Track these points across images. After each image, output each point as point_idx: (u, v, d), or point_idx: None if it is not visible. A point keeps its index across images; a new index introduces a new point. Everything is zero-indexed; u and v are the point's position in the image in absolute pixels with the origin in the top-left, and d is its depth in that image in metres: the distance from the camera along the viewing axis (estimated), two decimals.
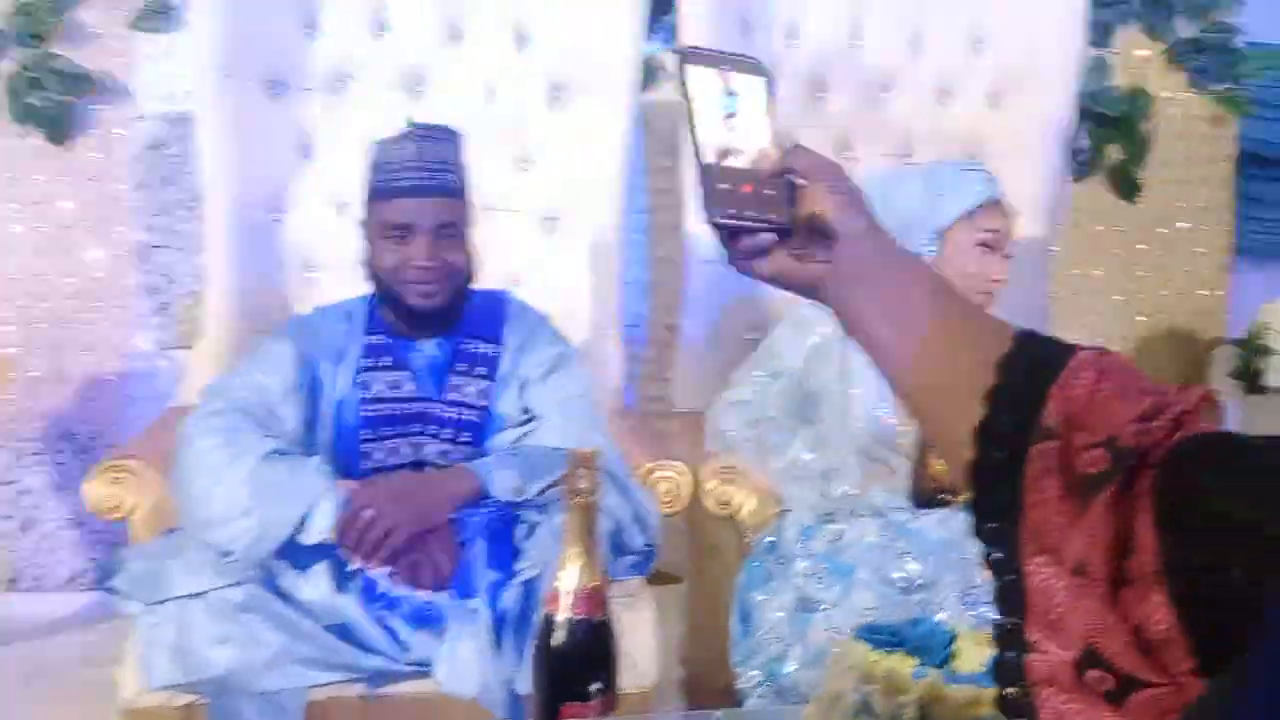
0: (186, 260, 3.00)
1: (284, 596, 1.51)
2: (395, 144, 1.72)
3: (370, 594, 1.54)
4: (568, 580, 0.99)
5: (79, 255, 3.00)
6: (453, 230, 1.75)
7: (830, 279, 0.72)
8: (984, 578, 1.59)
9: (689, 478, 1.79)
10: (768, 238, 0.72)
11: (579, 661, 0.99)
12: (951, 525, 1.65)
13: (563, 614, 0.99)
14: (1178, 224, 3.19)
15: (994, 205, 1.95)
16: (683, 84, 0.72)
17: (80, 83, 2.93)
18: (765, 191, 0.72)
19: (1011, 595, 0.60)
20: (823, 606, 1.63)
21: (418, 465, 1.76)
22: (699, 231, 2.32)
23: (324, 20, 2.24)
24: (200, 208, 2.88)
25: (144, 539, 1.70)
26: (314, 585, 1.51)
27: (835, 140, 2.44)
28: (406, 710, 1.53)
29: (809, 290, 0.73)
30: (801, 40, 2.41)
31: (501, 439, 1.75)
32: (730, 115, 0.72)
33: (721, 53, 0.74)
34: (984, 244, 1.93)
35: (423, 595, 1.54)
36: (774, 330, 2.01)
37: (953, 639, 0.98)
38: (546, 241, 2.32)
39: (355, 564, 1.53)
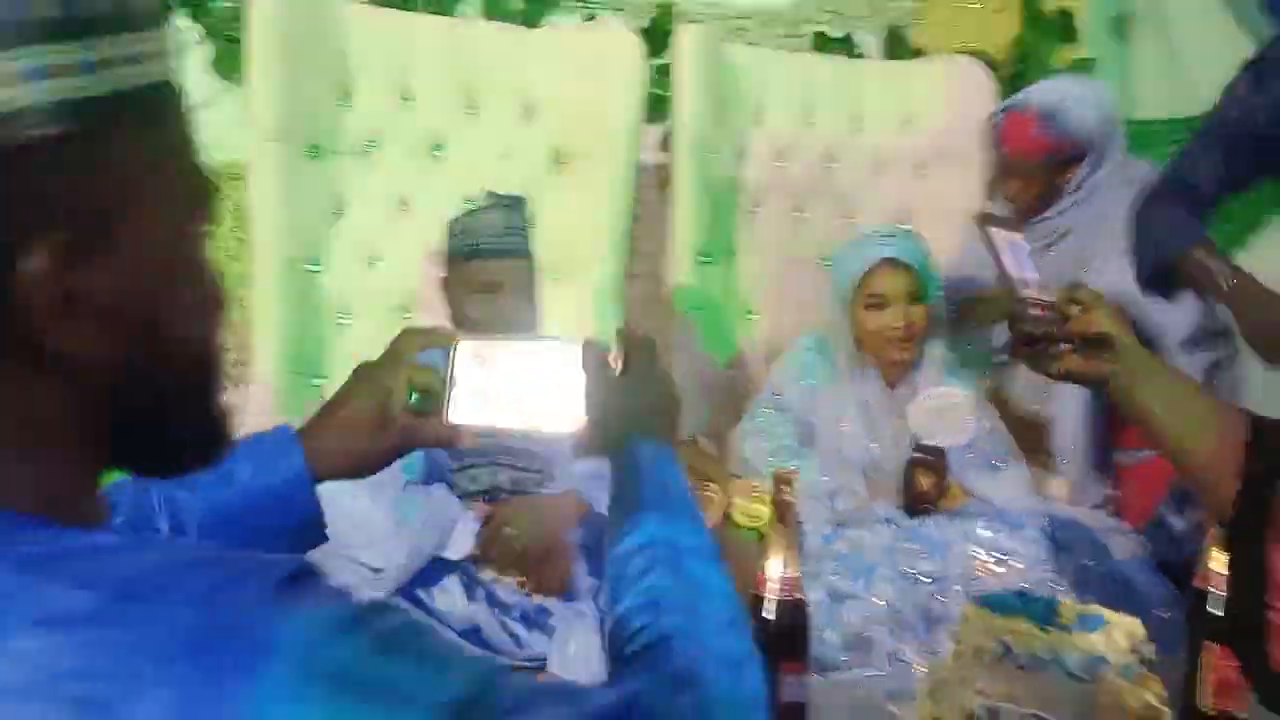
0: None
1: (419, 605, 1.76)
2: (482, 212, 1.99)
3: (491, 601, 1.80)
4: (775, 568, 1.31)
5: None
6: (527, 285, 2.03)
7: (1118, 375, 1.06)
8: (984, 570, 1.98)
9: (724, 496, 2.12)
10: (1059, 346, 1.08)
11: (784, 632, 1.32)
12: (948, 529, 2.04)
13: (771, 595, 1.31)
14: None
15: (884, 265, 2.19)
16: (989, 241, 1.08)
17: None
18: (1051, 314, 1.08)
19: (1255, 575, 0.96)
20: (850, 598, 1.98)
21: (492, 492, 2.03)
22: (685, 285, 2.67)
23: (356, 91, 2.48)
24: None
25: None
26: (447, 595, 1.76)
27: (792, 202, 2.84)
28: None
29: (1095, 384, 1.09)
30: (767, 121, 2.80)
31: (573, 467, 2.03)
32: (1021, 260, 1.08)
33: (1007, 218, 1.12)
34: (870, 306, 2.20)
35: (536, 600, 1.81)
36: (775, 374, 2.38)
37: (1056, 605, 1.34)
38: (553, 291, 2.60)
39: (490, 575, 1.79)
